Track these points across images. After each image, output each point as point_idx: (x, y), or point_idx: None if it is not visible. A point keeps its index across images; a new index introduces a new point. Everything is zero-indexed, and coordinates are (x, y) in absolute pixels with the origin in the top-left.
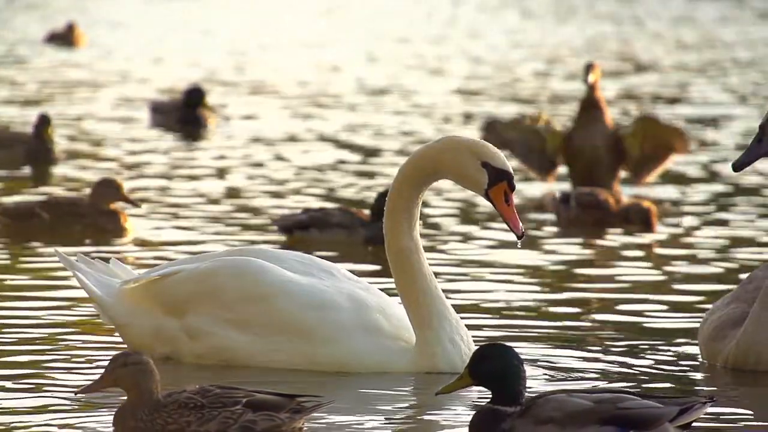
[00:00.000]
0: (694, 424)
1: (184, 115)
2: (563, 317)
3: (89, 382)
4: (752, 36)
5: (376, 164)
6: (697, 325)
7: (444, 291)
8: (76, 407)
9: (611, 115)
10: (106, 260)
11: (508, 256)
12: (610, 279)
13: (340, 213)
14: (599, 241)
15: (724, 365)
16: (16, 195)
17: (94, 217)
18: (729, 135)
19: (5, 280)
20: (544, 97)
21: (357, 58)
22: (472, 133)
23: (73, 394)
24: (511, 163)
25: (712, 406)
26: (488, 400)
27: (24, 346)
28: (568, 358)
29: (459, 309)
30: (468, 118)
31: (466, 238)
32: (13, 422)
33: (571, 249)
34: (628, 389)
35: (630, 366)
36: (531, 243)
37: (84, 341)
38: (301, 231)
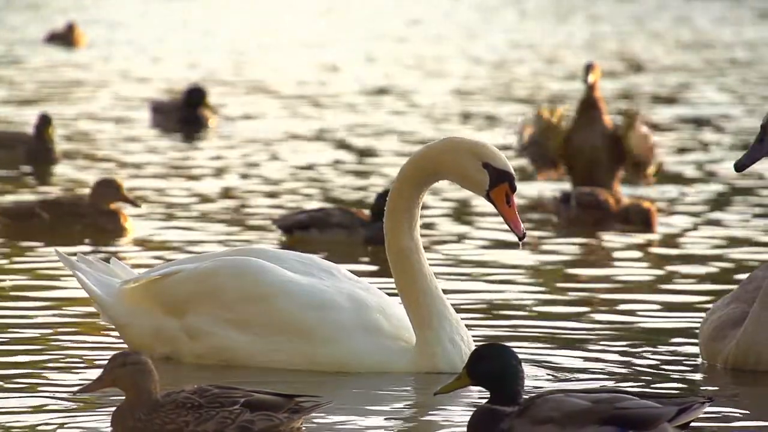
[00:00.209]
0: (693, 424)
1: (185, 114)
2: (563, 317)
3: (88, 382)
4: (751, 36)
5: (375, 164)
6: (697, 325)
7: (444, 291)
8: (75, 407)
9: (609, 115)
10: (107, 260)
11: (507, 256)
12: (610, 279)
13: (340, 213)
14: (599, 241)
15: (724, 365)
16: (17, 195)
17: (94, 217)
18: (727, 135)
19: (5, 280)
20: (542, 97)
21: (356, 58)
22: (470, 133)
23: (71, 394)
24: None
25: (711, 406)
26: (486, 399)
27: (23, 346)
28: (567, 358)
29: (458, 309)
30: (466, 118)
31: (466, 237)
32: (11, 422)
33: (571, 249)
34: (626, 389)
35: (630, 366)
36: (531, 243)
37: (83, 341)
38: (301, 231)
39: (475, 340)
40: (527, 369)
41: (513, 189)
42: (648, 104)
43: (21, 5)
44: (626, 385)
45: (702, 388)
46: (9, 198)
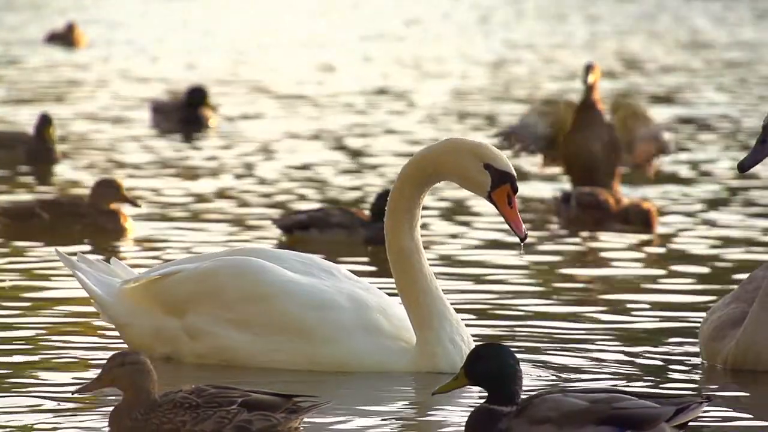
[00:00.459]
0: (693, 424)
1: (186, 114)
2: (562, 317)
3: (86, 382)
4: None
5: (374, 164)
6: (697, 325)
7: (444, 291)
8: (73, 407)
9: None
10: (107, 260)
11: (507, 256)
12: (609, 279)
13: (340, 213)
14: (599, 241)
15: (724, 365)
16: (17, 195)
17: (94, 217)
18: (726, 135)
19: (5, 279)
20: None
21: (354, 58)
22: (469, 133)
23: (69, 394)
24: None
25: (711, 406)
26: (484, 399)
27: (21, 346)
28: (566, 358)
29: (457, 309)
30: (464, 118)
31: (465, 237)
32: (9, 422)
33: (571, 249)
34: (624, 389)
35: (629, 366)
36: (530, 243)
37: (82, 341)
38: (301, 231)
39: (474, 340)
40: (525, 369)
41: (515, 190)
42: (647, 104)
43: (21, 5)
44: (625, 385)
45: (702, 388)
46: (9, 198)
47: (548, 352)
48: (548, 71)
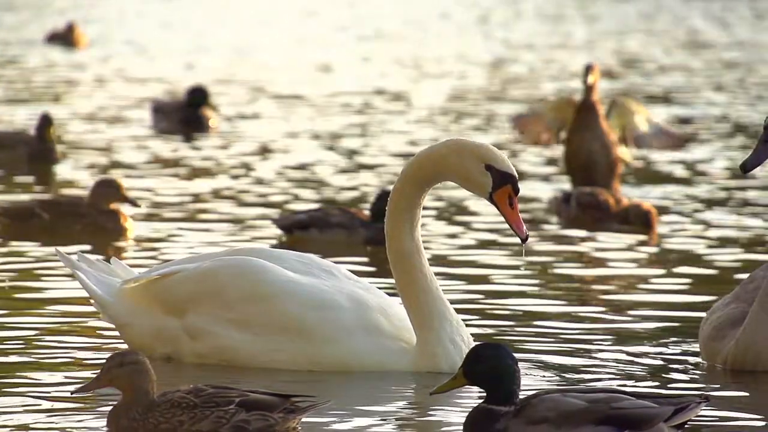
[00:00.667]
0: (693, 423)
1: (186, 115)
2: (562, 317)
3: (85, 382)
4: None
5: (372, 165)
6: (697, 325)
7: (444, 291)
8: (72, 407)
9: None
10: (107, 260)
11: (506, 255)
12: (609, 279)
13: (340, 213)
14: (599, 242)
15: (724, 365)
16: (17, 195)
17: (94, 216)
18: (726, 135)
19: (4, 279)
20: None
21: (353, 59)
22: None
23: (68, 394)
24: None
25: (710, 406)
26: (482, 399)
27: (20, 346)
28: (565, 357)
29: (457, 309)
30: (463, 118)
31: (464, 237)
32: (8, 422)
33: (571, 249)
34: (622, 389)
35: (629, 366)
36: (530, 243)
37: (81, 341)
38: (301, 231)
39: (474, 340)
40: (524, 369)
41: (516, 191)
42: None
43: (21, 5)
44: (624, 385)
45: (701, 387)
46: (9, 198)
47: (547, 352)
48: (547, 71)
